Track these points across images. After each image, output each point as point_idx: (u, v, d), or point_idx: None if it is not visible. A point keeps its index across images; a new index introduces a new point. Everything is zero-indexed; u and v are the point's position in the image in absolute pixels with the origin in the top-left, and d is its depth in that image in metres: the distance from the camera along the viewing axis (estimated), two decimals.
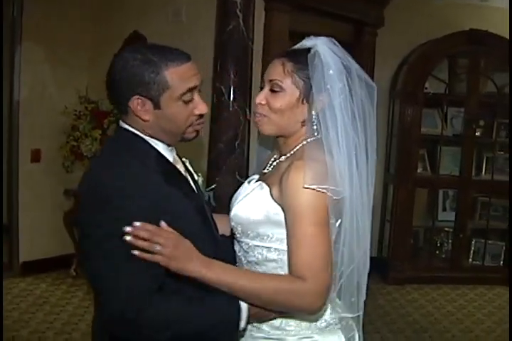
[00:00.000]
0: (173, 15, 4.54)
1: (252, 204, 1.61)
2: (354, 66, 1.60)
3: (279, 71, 1.58)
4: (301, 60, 1.57)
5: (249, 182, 1.75)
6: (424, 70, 5.33)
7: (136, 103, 1.50)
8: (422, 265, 5.58)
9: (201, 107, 1.57)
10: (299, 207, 1.48)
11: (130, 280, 1.40)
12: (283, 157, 1.68)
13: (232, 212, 1.68)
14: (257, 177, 1.76)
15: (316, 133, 1.59)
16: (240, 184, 1.80)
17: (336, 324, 1.62)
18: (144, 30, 4.74)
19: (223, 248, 1.67)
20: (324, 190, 1.47)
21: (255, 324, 1.59)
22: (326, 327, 1.60)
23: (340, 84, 1.55)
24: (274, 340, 1.58)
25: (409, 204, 5.40)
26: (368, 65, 5.43)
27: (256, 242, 1.60)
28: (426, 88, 5.37)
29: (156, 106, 1.51)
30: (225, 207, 3.96)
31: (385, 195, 5.68)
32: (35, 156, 4.98)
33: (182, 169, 1.69)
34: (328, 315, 1.60)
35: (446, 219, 5.61)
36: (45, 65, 5.00)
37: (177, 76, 1.50)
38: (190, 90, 1.53)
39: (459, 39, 5.23)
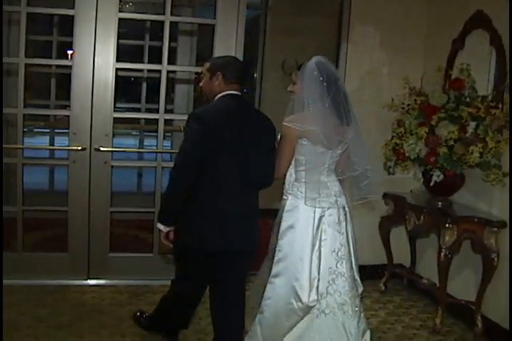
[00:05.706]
0: None
1: None
2: (327, 70, 2.98)
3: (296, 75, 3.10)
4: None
5: None
6: None
7: None
8: None
9: None
10: (281, 134, 3.05)
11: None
12: None
13: None
14: None
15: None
16: None
17: (301, 198, 3.02)
18: (489, 10, 3.91)
19: None
20: (290, 125, 2.95)
21: None
22: (295, 195, 3.05)
23: (316, 80, 2.95)
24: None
25: None
26: None
27: None
28: None
29: None
30: None
31: None
32: None
33: None
34: (298, 192, 3.04)
35: None
36: (374, 51, 4.58)
37: None
38: None
39: None
